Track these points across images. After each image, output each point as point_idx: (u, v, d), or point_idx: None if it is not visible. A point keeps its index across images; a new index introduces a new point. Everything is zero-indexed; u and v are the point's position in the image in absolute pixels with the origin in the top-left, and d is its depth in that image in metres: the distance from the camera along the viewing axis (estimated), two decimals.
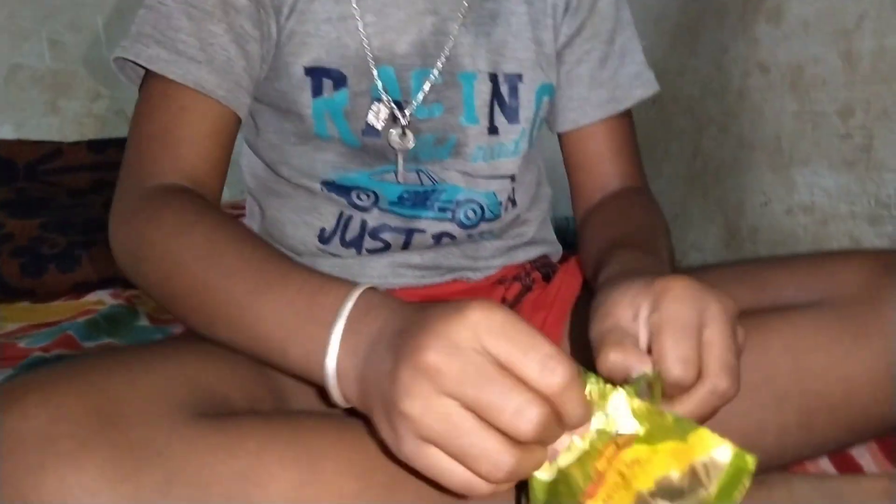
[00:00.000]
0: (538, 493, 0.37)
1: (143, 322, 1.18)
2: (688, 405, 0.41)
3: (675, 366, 0.40)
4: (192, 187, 0.56)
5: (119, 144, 1.66)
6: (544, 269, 0.75)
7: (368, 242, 0.68)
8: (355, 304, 0.41)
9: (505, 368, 0.34)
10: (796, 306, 0.54)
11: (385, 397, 0.36)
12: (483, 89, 0.67)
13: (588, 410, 0.36)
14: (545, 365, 0.34)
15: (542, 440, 0.35)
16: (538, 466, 0.36)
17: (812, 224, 1.05)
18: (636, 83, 0.72)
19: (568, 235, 1.87)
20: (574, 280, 0.70)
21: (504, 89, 0.68)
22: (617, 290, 0.46)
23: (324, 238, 0.68)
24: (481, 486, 0.35)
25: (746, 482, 0.35)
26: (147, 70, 0.58)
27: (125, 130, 1.74)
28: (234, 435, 0.41)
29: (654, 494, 0.35)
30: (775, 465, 0.53)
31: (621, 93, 0.71)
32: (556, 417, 0.35)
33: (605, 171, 0.72)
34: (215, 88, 0.57)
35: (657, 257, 0.57)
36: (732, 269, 0.61)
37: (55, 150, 1.66)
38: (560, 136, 0.75)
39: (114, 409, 0.39)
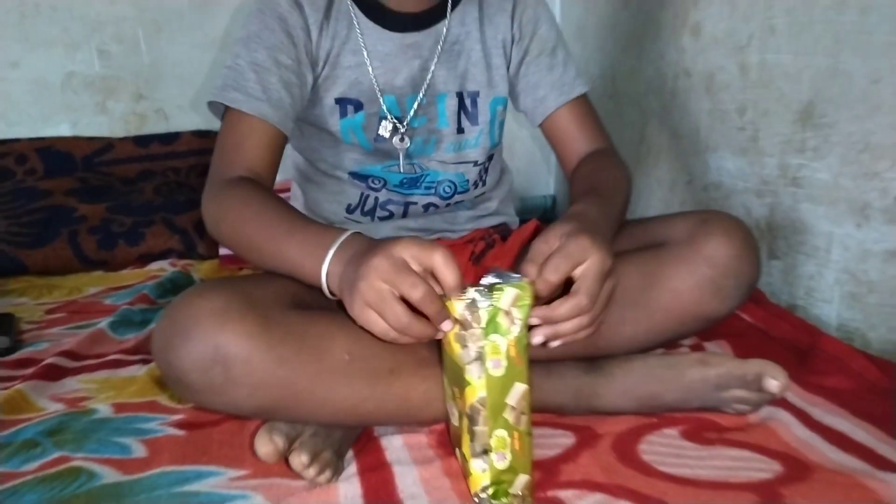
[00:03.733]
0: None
1: None
2: (561, 309, 0.67)
3: (549, 273, 0.66)
4: (255, 178, 0.84)
5: (160, 139, 1.97)
6: (502, 232, 1.05)
7: (379, 212, 0.98)
8: (344, 239, 0.70)
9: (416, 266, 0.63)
10: (649, 246, 0.84)
11: (351, 284, 0.64)
12: (452, 104, 0.97)
13: (456, 280, 0.62)
14: (430, 252, 0.62)
15: (428, 308, 0.62)
16: (424, 331, 0.63)
17: (720, 197, 1.34)
18: (577, 82, 1.00)
19: (546, 213, 2.18)
20: (521, 238, 0.99)
21: (467, 102, 0.98)
22: (557, 223, 0.72)
23: (350, 211, 0.99)
24: (393, 334, 0.63)
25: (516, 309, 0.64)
26: (227, 106, 0.87)
27: (164, 126, 2.08)
28: (316, 316, 0.72)
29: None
30: (627, 351, 0.83)
31: (568, 88, 0.99)
32: (436, 294, 0.62)
33: (575, 140, 0.99)
34: (271, 117, 0.86)
35: (609, 201, 0.83)
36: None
37: (107, 144, 1.92)
38: (541, 128, 1.02)
39: (255, 299, 0.69)
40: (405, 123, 0.94)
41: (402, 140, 0.94)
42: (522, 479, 0.66)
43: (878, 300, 1.00)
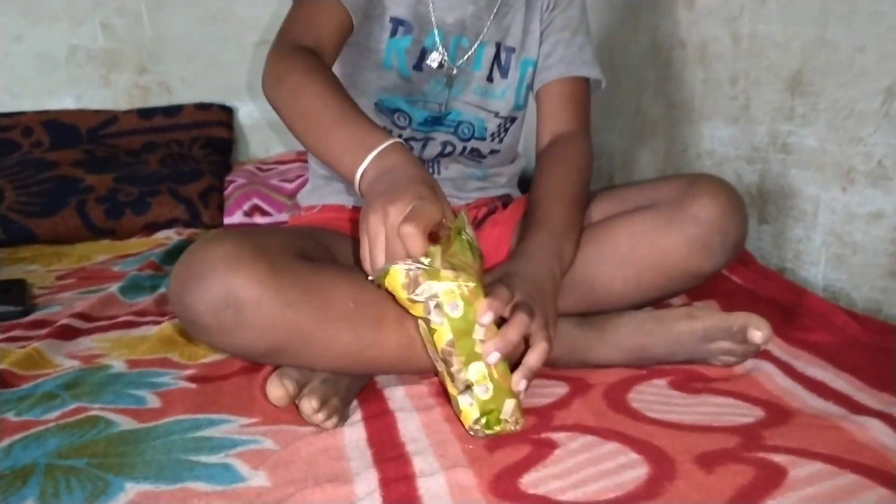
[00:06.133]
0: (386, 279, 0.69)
1: None
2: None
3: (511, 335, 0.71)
4: (318, 52, 0.87)
5: (163, 111, 2.00)
6: (505, 201, 1.10)
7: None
8: (383, 149, 0.73)
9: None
10: (637, 208, 0.88)
11: (370, 202, 0.69)
12: (490, 52, 1.03)
13: (419, 245, 0.65)
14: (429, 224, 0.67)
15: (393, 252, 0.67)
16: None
17: (713, 165, 1.38)
18: (584, 67, 1.05)
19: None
20: (520, 209, 1.03)
21: (503, 55, 1.04)
22: (516, 271, 0.79)
23: None
24: (365, 261, 0.69)
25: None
26: None
27: (167, 99, 2.12)
28: (321, 266, 0.76)
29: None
30: (618, 307, 0.87)
31: (574, 67, 1.04)
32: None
33: (557, 114, 1.04)
34: (346, 1, 0.89)
35: (572, 221, 0.87)
36: (606, 191, 0.95)
37: (111, 117, 1.97)
38: (536, 95, 1.07)
39: (265, 248, 0.72)
40: (454, 66, 1.00)
41: (446, 79, 1.00)
42: (510, 404, 0.70)
43: (861, 261, 1.04)
